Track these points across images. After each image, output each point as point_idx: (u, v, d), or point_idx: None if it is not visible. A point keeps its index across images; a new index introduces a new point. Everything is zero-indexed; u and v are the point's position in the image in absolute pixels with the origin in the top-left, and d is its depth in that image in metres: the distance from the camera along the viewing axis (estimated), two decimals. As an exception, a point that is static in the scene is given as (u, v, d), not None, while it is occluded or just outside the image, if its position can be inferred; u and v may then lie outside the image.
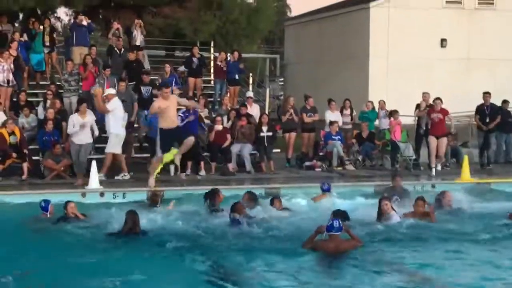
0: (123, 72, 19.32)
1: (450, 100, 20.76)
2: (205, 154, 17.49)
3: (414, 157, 18.65)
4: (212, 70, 23.13)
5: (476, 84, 21.33)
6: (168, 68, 20.12)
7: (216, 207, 12.34)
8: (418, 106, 18.87)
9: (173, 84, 18.92)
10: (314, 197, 13.78)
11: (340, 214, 11.11)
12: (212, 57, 23.60)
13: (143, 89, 18.63)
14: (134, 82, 19.02)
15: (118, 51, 20.03)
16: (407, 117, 19.31)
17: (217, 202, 12.49)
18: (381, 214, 11.63)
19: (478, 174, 17.33)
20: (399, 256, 10.11)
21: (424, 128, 18.58)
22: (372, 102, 19.99)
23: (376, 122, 19.86)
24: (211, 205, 12.43)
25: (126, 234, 10.63)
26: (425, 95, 18.91)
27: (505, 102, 19.80)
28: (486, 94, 19.07)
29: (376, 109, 19.75)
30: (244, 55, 22.17)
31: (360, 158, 19.22)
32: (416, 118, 18.97)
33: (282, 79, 27.25)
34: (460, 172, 16.88)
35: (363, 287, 8.61)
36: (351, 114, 19.61)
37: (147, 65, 21.34)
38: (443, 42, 22.14)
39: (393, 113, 19.01)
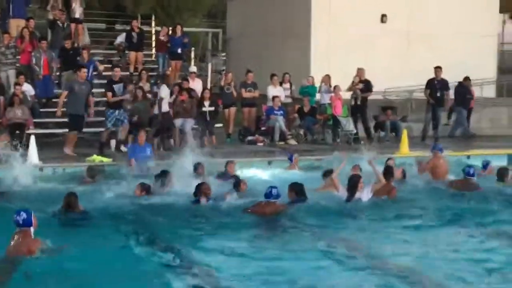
0: (58, 61, 18.37)
1: (390, 75, 21.10)
2: (148, 129, 17.35)
3: (354, 131, 18.95)
4: (153, 44, 22.87)
5: (416, 59, 21.61)
6: (85, 54, 18.42)
7: (168, 187, 12.32)
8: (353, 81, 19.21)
9: (90, 72, 17.87)
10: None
11: (297, 187, 11.32)
12: (153, 31, 23.30)
13: (115, 87, 16.84)
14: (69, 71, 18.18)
15: (61, 24, 19.60)
16: (348, 92, 19.50)
17: (168, 183, 12.42)
18: (354, 190, 11.54)
19: (420, 148, 17.59)
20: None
21: (353, 102, 19.04)
22: (312, 77, 20.13)
23: (318, 97, 20.01)
24: (162, 185, 12.35)
25: (63, 214, 10.36)
26: (359, 70, 19.24)
27: (466, 79, 20.15)
28: (438, 69, 19.26)
29: (318, 84, 19.90)
30: (186, 29, 21.95)
31: (302, 132, 19.38)
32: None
33: (224, 54, 27.09)
34: (399, 146, 17.20)
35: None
36: (290, 88, 19.77)
37: (87, 39, 20.95)
38: (383, 18, 22.34)
39: (334, 88, 19.25)
